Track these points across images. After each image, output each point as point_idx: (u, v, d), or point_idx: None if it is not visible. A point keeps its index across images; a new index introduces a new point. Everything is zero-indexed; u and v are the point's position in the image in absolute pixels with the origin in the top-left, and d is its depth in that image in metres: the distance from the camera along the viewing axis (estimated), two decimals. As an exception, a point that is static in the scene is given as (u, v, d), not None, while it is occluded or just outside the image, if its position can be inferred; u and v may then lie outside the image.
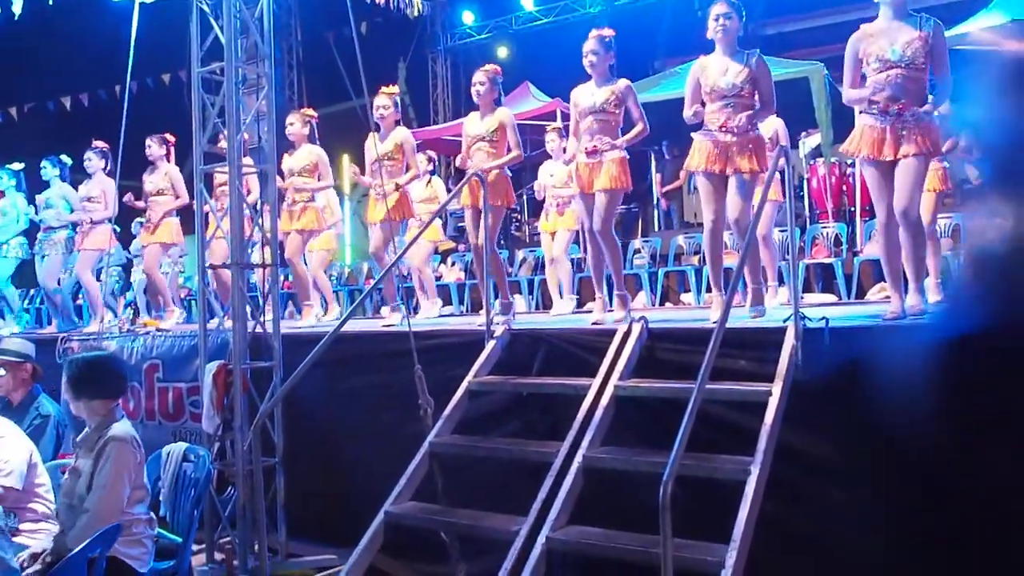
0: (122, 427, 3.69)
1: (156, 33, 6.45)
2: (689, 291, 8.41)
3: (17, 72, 15.55)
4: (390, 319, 6.06)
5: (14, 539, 3.63)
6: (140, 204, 7.66)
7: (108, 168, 7.57)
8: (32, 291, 12.02)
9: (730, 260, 7.91)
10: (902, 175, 4.04)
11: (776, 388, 3.44)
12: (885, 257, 4.21)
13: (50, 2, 8.28)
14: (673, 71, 10.94)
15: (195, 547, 4.62)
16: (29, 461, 3.96)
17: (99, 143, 7.60)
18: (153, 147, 7.28)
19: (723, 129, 4.52)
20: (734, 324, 3.77)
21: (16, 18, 8.93)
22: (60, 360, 6.27)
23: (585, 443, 3.64)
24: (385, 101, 6.31)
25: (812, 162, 9.33)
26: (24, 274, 8.74)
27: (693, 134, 4.71)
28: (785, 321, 3.72)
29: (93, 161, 7.58)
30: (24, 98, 14.86)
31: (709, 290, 8.15)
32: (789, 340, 3.60)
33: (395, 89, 6.57)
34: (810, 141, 9.54)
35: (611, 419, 3.80)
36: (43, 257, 8.05)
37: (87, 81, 14.67)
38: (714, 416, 3.65)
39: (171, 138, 7.41)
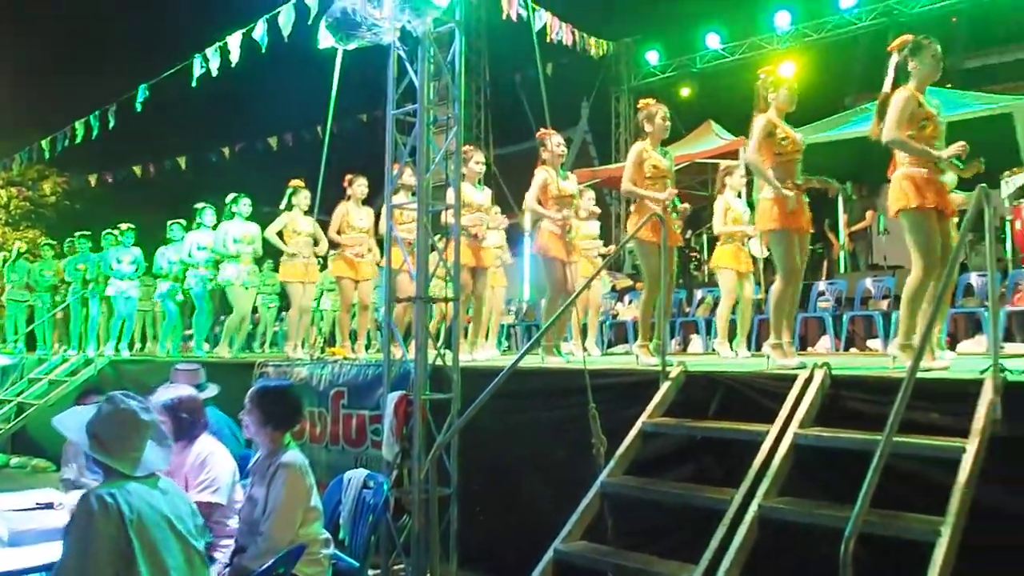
0: (291, 455, 3.80)
1: (353, 77, 6.88)
2: (876, 337, 7.99)
3: (233, 114, 16.96)
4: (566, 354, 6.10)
5: (213, 554, 3.84)
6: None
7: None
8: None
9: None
10: None
11: (971, 445, 3.21)
12: None
13: (263, 51, 8.98)
14: (863, 108, 10.53)
15: (371, 572, 4.80)
16: (232, 478, 4.16)
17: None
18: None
19: None
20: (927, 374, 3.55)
21: (233, 65, 9.73)
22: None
23: (761, 492, 3.53)
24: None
25: (1016, 203, 8.66)
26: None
27: (917, 170, 4.48)
28: (983, 373, 3.47)
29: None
30: (235, 138, 16.17)
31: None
32: (987, 394, 3.36)
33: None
34: (1015, 180, 8.86)
35: (789, 468, 3.66)
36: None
37: (291, 122, 15.82)
38: (902, 471, 3.44)
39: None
